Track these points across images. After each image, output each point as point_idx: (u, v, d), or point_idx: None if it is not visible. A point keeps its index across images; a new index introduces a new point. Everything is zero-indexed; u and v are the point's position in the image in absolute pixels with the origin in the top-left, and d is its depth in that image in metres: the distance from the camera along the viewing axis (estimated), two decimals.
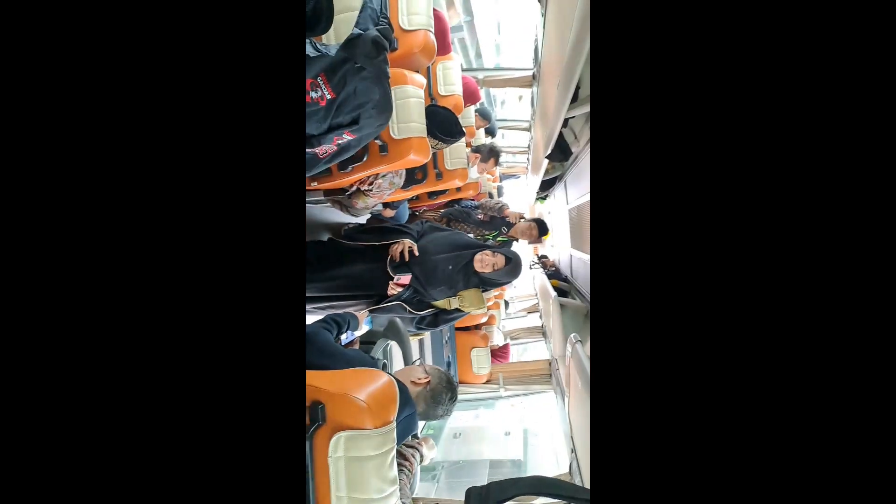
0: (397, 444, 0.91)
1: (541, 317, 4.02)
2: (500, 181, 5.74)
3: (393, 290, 1.55)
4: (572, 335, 1.46)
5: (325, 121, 0.87)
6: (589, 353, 1.37)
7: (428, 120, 1.63)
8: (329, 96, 0.85)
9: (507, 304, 4.99)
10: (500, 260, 1.47)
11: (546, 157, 1.99)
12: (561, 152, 1.87)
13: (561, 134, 1.87)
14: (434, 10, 1.85)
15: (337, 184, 1.58)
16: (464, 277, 1.51)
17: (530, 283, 5.94)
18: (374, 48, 0.87)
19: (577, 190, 2.66)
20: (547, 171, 3.05)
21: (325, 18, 0.77)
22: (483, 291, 1.60)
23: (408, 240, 1.60)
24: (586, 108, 1.43)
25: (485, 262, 1.47)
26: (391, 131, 1.49)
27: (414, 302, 1.54)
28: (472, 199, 2.93)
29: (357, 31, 0.88)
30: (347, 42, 0.86)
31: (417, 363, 1.48)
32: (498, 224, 2.57)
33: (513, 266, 1.50)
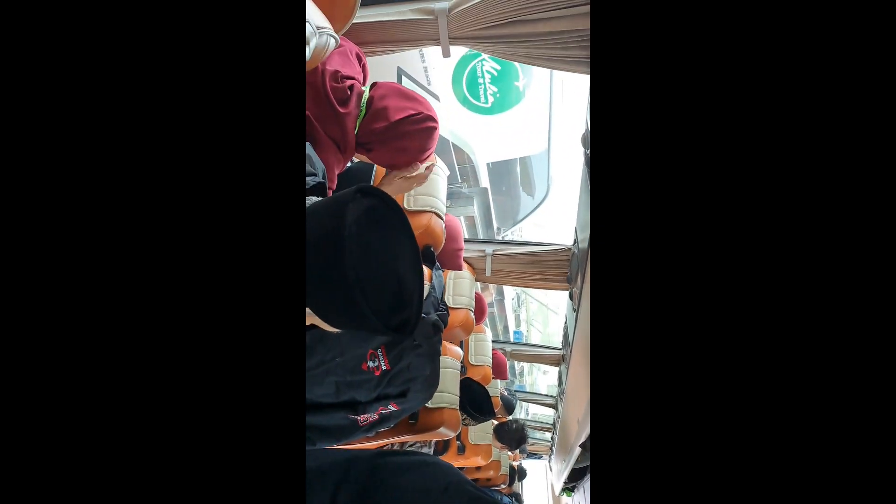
0: None
1: None
2: (521, 459, 5.18)
3: None
4: None
5: (375, 390, 0.87)
6: None
7: (461, 393, 1.61)
8: (385, 367, 0.88)
9: None
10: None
11: (581, 447, 1.83)
12: None
13: None
14: (476, 292, 2.13)
15: (361, 446, 1.45)
16: None
17: None
18: (434, 329, 0.95)
19: None
20: (578, 460, 2.75)
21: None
22: None
23: None
24: None
25: None
26: None
27: None
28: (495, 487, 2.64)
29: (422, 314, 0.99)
30: None
31: None
32: None
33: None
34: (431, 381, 0.94)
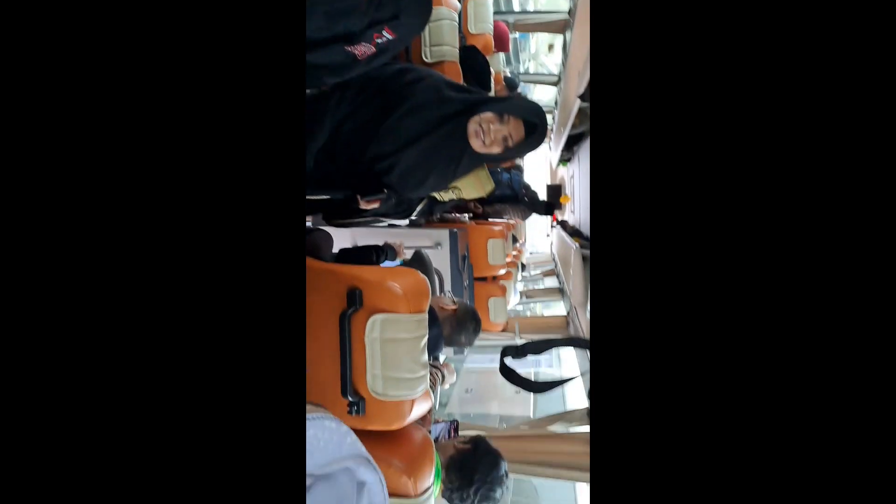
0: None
1: (558, 277, 4.03)
2: None
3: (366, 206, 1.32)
4: None
5: (366, 15, 0.87)
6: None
7: (465, 61, 1.59)
8: (390, 37, 0.85)
9: (523, 266, 5.02)
10: (515, 129, 0.90)
11: (579, 97, 1.94)
12: None
13: None
14: None
15: None
16: (454, 165, 0.97)
17: (548, 247, 5.94)
18: None
19: None
20: (573, 126, 2.99)
21: None
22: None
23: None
24: None
25: (489, 134, 0.89)
26: (423, 54, 1.47)
27: (398, 212, 1.20)
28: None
29: None
30: None
31: (446, 294, 1.53)
32: None
33: (538, 134, 0.93)
34: (423, 4, 0.93)
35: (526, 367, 3.42)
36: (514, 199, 3.13)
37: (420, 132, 0.94)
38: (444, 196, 1.14)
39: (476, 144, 0.92)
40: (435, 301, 1.24)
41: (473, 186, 1.12)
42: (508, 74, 3.01)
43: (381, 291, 0.84)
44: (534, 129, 0.92)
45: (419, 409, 0.87)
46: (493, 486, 1.00)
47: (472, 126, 0.91)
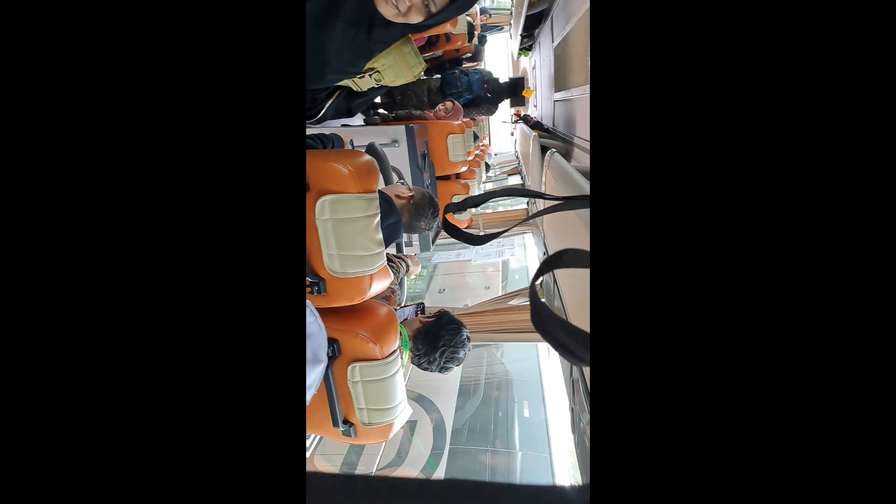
0: (385, 247, 0.98)
1: (520, 174, 4.05)
2: (483, 30, 5.25)
3: None
4: (550, 150, 1.48)
5: None
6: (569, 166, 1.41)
7: None
8: None
9: (487, 166, 4.99)
10: None
11: None
12: None
13: None
14: None
15: None
16: (363, 36, 0.79)
17: (511, 146, 5.86)
18: None
19: (563, 22, 2.45)
20: (531, 4, 2.77)
21: None
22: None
23: None
24: None
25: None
26: None
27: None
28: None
29: None
30: None
31: (401, 181, 1.52)
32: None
33: None
34: None
35: (493, 256, 3.59)
36: (476, 101, 3.05)
37: None
38: (362, 84, 0.89)
39: (388, 11, 0.72)
40: (391, 189, 1.25)
41: (398, 68, 0.86)
42: None
43: (328, 172, 0.83)
44: None
45: (379, 285, 0.93)
46: (456, 349, 1.12)
47: None
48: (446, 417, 3.30)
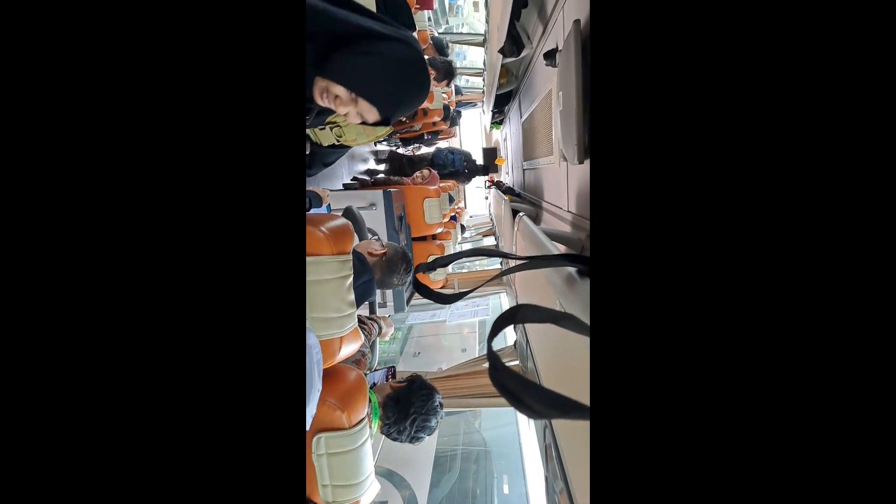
0: (356, 307, 0.97)
1: (495, 235, 4.17)
2: (457, 106, 5.66)
3: None
4: (520, 214, 1.55)
5: None
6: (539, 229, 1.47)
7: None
8: None
9: (463, 228, 5.13)
10: (369, 111, 0.72)
11: (499, 52, 1.97)
12: (513, 44, 1.86)
13: (513, 26, 1.85)
14: None
15: None
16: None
17: (486, 209, 6.08)
18: None
19: (529, 99, 2.68)
20: (501, 85, 3.03)
21: None
22: None
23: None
24: None
25: (336, 106, 0.72)
26: None
27: None
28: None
29: None
30: None
31: (375, 238, 1.54)
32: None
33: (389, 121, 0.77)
34: None
35: (468, 316, 3.56)
36: (456, 174, 3.49)
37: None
38: (323, 137, 0.88)
39: (324, 104, 0.73)
40: (364, 246, 1.26)
41: (359, 128, 0.86)
42: (436, 34, 2.97)
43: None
44: (388, 120, 0.73)
45: (349, 348, 0.91)
46: (428, 416, 1.08)
47: (319, 86, 0.70)
48: (419, 495, 3.06)
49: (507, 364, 0.33)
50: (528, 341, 1.44)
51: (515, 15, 1.89)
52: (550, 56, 1.61)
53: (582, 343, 0.60)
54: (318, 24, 0.64)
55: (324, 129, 0.87)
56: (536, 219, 2.51)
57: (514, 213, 2.49)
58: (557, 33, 1.64)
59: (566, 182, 1.65)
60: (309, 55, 0.66)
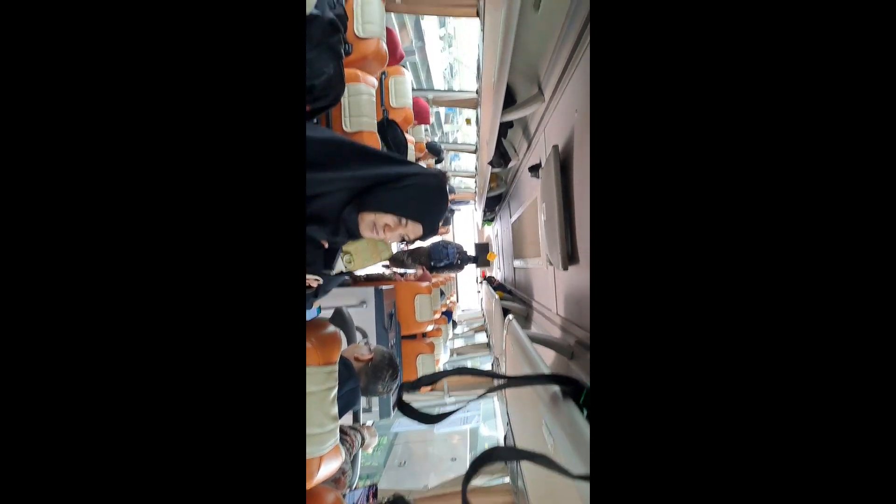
0: (339, 416, 0.94)
1: (486, 332, 4.12)
2: (452, 205, 6.00)
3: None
4: (510, 315, 1.57)
5: None
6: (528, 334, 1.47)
7: (382, 131, 1.75)
8: None
9: (454, 323, 5.07)
10: (413, 229, 0.84)
11: (488, 164, 2.16)
12: (501, 157, 2.05)
13: (501, 142, 2.05)
14: (387, 27, 2.03)
15: None
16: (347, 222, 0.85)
17: (478, 303, 6.09)
18: (331, 27, 0.97)
19: (517, 203, 2.86)
20: (491, 188, 3.26)
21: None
22: None
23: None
24: (521, 113, 1.61)
25: (385, 235, 0.83)
26: (343, 124, 1.58)
27: None
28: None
29: (315, 11, 0.98)
30: (306, 20, 0.97)
31: (363, 342, 1.52)
32: None
33: (432, 231, 0.88)
34: (336, 81, 1.03)
35: (457, 424, 3.35)
36: (451, 265, 3.83)
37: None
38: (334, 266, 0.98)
39: (369, 235, 0.84)
40: (350, 351, 1.23)
41: (367, 253, 0.98)
42: (431, 140, 3.28)
43: None
44: (432, 230, 0.86)
45: (328, 468, 0.85)
46: None
47: (367, 221, 0.83)
48: None
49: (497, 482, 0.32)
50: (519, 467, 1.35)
51: (502, 133, 2.12)
52: (534, 170, 1.77)
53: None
54: (354, 182, 0.79)
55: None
56: (527, 318, 2.52)
57: (505, 311, 2.50)
58: (540, 150, 1.82)
59: (554, 285, 1.69)
60: (349, 199, 0.81)
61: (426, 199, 0.83)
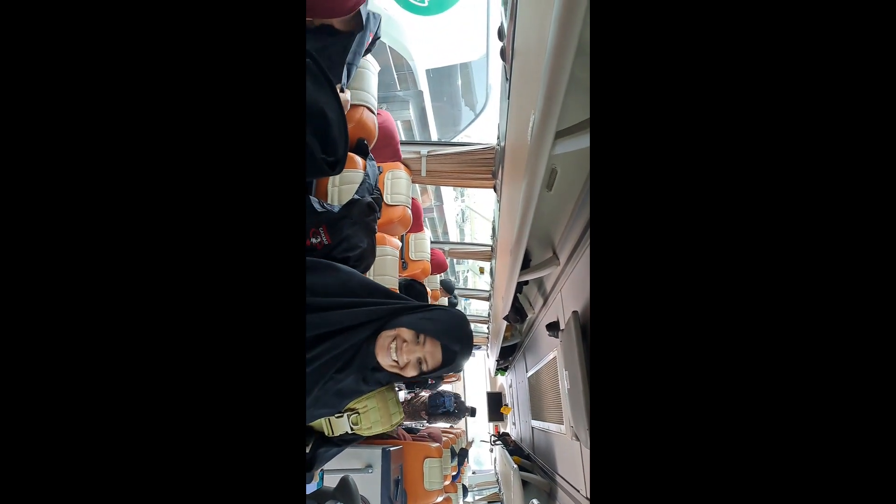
0: None
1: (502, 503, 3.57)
2: None
3: None
4: (534, 501, 1.38)
5: (314, 214, 1.04)
6: None
7: (405, 290, 1.85)
8: (326, 241, 1.04)
9: (465, 489, 4.45)
10: (432, 353, 0.77)
11: (504, 318, 2.17)
12: (516, 313, 2.06)
13: (516, 298, 2.10)
14: (413, 198, 2.30)
15: None
16: (356, 377, 0.80)
17: (491, 464, 5.41)
18: (368, 209, 1.11)
19: (534, 357, 2.78)
20: (506, 338, 3.21)
21: (340, 164, 0.99)
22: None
23: None
24: (537, 274, 1.68)
25: (402, 353, 0.76)
26: None
27: None
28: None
29: (356, 196, 1.14)
30: (348, 204, 1.12)
31: None
32: None
33: (455, 364, 0.80)
34: (368, 253, 1.12)
35: None
36: (447, 413, 3.81)
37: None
38: (337, 427, 0.87)
39: (385, 362, 0.77)
40: None
41: (378, 413, 0.85)
42: (445, 278, 3.39)
43: None
44: (451, 357, 0.78)
45: None
46: None
47: (384, 340, 0.76)
48: None
49: None
50: None
51: (517, 289, 2.19)
52: (552, 328, 1.75)
53: None
54: (378, 311, 0.78)
55: (341, 415, 0.87)
56: (551, 495, 2.20)
57: (524, 483, 2.20)
58: (556, 308, 1.84)
59: (581, 461, 1.52)
60: (372, 332, 0.77)
61: (449, 322, 0.78)
